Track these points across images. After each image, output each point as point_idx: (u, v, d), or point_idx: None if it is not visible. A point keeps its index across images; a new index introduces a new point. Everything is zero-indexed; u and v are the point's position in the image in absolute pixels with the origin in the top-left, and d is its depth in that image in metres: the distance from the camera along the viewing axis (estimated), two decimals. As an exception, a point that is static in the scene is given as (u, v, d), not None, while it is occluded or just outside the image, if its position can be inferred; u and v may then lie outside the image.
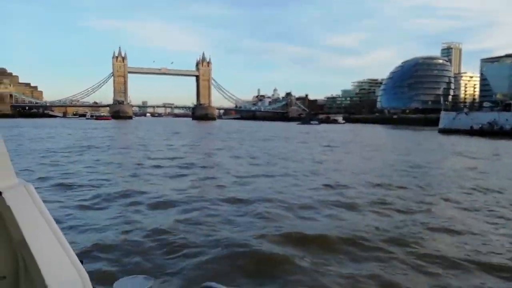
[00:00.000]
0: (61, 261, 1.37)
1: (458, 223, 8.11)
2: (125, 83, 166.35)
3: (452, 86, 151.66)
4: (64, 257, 1.37)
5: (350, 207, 9.51)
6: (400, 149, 28.77)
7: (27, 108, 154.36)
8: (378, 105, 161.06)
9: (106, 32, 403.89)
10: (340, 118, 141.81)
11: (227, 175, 14.93)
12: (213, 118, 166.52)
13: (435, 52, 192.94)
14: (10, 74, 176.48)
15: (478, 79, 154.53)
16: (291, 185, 12.72)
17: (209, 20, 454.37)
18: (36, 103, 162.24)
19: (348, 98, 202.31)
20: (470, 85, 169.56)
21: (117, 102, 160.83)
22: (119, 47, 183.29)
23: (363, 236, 6.94)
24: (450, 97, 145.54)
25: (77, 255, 1.42)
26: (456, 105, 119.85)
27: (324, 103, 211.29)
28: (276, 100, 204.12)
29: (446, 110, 70.00)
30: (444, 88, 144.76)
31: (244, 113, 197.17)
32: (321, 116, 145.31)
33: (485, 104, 70.94)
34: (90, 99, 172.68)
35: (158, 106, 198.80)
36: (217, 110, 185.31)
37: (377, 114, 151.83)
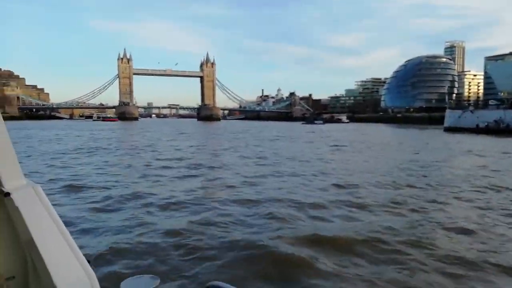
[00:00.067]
0: (69, 261, 1.37)
1: (473, 223, 8.03)
2: (130, 84, 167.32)
3: (456, 84, 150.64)
4: (71, 257, 1.38)
5: (362, 207, 9.45)
6: (407, 148, 28.65)
7: (34, 110, 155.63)
8: (382, 104, 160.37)
9: (111, 33, 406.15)
10: (344, 118, 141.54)
11: (236, 175, 14.96)
12: (218, 119, 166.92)
13: (438, 51, 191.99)
14: (17, 76, 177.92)
15: (482, 77, 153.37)
16: (300, 185, 12.71)
17: (213, 20, 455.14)
18: (43, 105, 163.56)
19: (352, 98, 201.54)
20: (474, 83, 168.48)
21: (122, 104, 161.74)
22: (124, 49, 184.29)
23: (379, 238, 6.88)
24: (454, 96, 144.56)
25: (86, 255, 1.43)
26: (460, 104, 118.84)
27: (328, 102, 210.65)
28: (280, 100, 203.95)
29: (451, 108, 69.44)
30: (448, 87, 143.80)
31: (249, 113, 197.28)
32: (325, 116, 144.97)
33: (491, 102, 70.18)
34: (96, 101, 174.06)
35: (163, 107, 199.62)
36: (221, 111, 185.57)
37: (381, 113, 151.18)
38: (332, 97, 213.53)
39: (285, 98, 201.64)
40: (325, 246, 6.45)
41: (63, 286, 1.32)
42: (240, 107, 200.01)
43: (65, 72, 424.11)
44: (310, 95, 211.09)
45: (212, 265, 5.67)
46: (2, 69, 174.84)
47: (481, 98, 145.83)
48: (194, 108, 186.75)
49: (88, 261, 1.43)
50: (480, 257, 6.05)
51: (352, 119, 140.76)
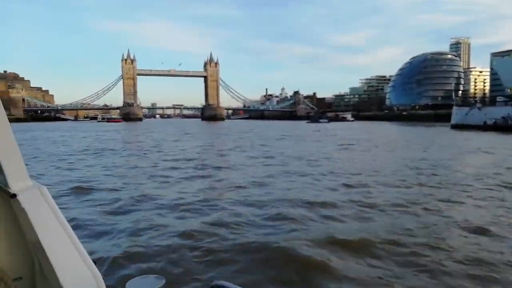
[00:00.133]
0: (75, 262, 1.38)
1: (489, 222, 7.86)
2: (134, 85, 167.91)
3: (462, 81, 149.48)
4: (78, 258, 1.39)
5: (374, 207, 9.28)
6: (414, 146, 28.38)
7: (39, 112, 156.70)
8: (387, 102, 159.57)
9: (114, 34, 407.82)
10: (349, 116, 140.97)
11: (244, 175, 14.84)
12: (222, 119, 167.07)
13: (444, 47, 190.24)
14: (22, 78, 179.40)
15: (488, 73, 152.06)
16: (309, 185, 12.57)
17: (216, 20, 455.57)
18: (48, 106, 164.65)
19: (356, 96, 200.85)
20: (480, 80, 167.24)
21: (127, 104, 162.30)
22: (128, 50, 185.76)
23: (395, 239, 6.72)
24: (460, 93, 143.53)
25: (92, 256, 1.43)
26: (466, 100, 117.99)
27: (332, 101, 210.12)
28: (284, 99, 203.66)
29: (457, 105, 68.85)
30: (454, 84, 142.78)
31: (253, 112, 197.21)
32: (329, 114, 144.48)
33: (499, 98, 69.50)
34: (100, 102, 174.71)
35: (167, 108, 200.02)
36: (225, 110, 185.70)
37: (386, 111, 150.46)
38: (336, 96, 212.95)
39: (289, 97, 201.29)
40: (340, 248, 6.31)
41: (69, 286, 1.33)
42: (244, 106, 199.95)
43: (69, 74, 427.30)
44: (314, 93, 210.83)
45: (226, 269, 5.56)
46: (8, 72, 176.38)
47: (487, 95, 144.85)
48: (198, 108, 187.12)
49: (94, 262, 1.44)
50: (499, 258, 5.90)
51: (357, 117, 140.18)
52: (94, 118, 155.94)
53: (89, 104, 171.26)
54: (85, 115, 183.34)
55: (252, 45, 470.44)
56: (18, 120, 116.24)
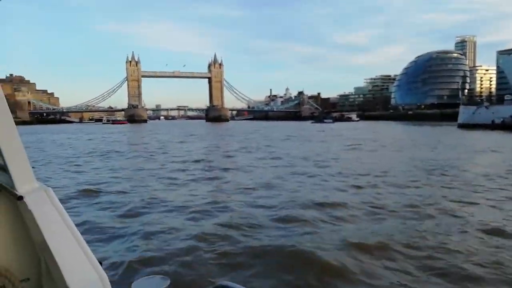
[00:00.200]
0: (81, 263, 1.39)
1: (505, 223, 7.70)
2: (139, 87, 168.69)
3: (468, 80, 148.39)
4: (84, 259, 1.40)
5: (386, 208, 9.13)
6: (422, 146, 28.12)
7: (44, 114, 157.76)
8: (392, 101, 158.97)
9: (118, 36, 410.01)
10: (354, 116, 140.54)
11: (252, 177, 14.75)
12: (226, 120, 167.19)
13: (449, 46, 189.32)
14: (28, 81, 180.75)
15: (495, 72, 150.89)
16: (319, 187, 12.44)
17: (219, 21, 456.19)
18: (53, 109, 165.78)
19: (361, 95, 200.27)
20: (486, 78, 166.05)
21: (131, 106, 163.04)
22: (132, 52, 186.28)
23: (410, 242, 6.58)
24: (466, 91, 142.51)
25: (98, 257, 1.44)
26: (472, 99, 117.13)
27: (337, 101, 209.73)
28: (288, 100, 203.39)
29: (464, 104, 68.27)
30: (460, 82, 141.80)
31: (257, 113, 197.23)
32: (334, 114, 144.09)
33: (506, 97, 68.63)
34: (105, 104, 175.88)
35: (171, 109, 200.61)
36: (229, 111, 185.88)
37: (391, 110, 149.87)
38: (341, 95, 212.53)
39: (293, 98, 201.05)
40: (355, 250, 6.18)
41: (76, 287, 1.34)
42: (249, 107, 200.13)
43: (74, 76, 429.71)
44: (319, 93, 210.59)
45: (241, 273, 5.46)
46: (13, 75, 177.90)
47: (493, 93, 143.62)
48: (202, 110, 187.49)
49: (100, 263, 1.45)
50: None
51: (362, 117, 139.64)
52: (99, 120, 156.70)
53: (94, 106, 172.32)
54: (90, 117, 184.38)
55: (255, 45, 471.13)
56: (24, 123, 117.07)
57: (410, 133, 51.73)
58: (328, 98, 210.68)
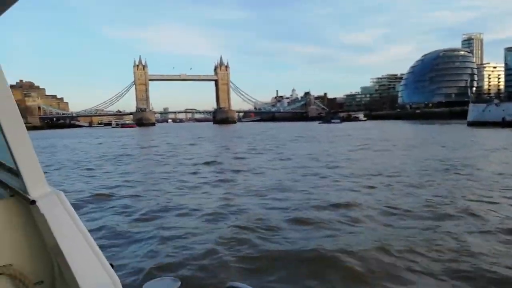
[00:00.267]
0: (93, 266, 1.40)
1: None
2: (146, 90, 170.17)
3: (476, 77, 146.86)
4: (95, 261, 1.41)
5: (406, 210, 8.96)
6: (433, 145, 27.78)
7: (54, 119, 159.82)
8: (400, 100, 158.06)
9: (125, 40, 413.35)
10: (361, 116, 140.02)
11: (264, 178, 14.69)
12: (234, 122, 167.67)
13: (455, 44, 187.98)
14: (38, 87, 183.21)
15: (503, 69, 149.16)
16: (333, 188, 12.31)
17: (225, 24, 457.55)
18: (63, 114, 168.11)
19: (368, 95, 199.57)
20: (494, 75, 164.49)
21: (139, 110, 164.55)
22: (140, 56, 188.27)
23: (432, 245, 6.46)
24: (474, 89, 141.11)
25: (109, 259, 1.46)
26: (480, 97, 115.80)
27: (344, 101, 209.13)
28: (295, 101, 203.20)
29: (473, 102, 67.47)
30: (467, 80, 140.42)
31: (264, 115, 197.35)
32: (341, 114, 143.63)
33: (516, 94, 67.85)
34: (113, 108, 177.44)
35: (179, 112, 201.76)
36: (236, 113, 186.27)
37: (398, 109, 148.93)
38: (347, 95, 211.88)
39: (300, 98, 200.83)
40: (378, 254, 6.04)
41: None
42: (255, 108, 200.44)
43: (82, 81, 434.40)
44: (325, 94, 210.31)
45: (262, 278, 5.38)
46: (23, 81, 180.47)
47: (502, 91, 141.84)
48: (209, 112, 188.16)
49: (111, 265, 1.46)
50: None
51: (369, 117, 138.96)
52: (108, 124, 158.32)
53: (102, 110, 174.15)
54: (99, 122, 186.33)
55: (261, 47, 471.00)
56: (34, 128, 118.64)
57: (420, 132, 51.25)
58: (335, 98, 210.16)
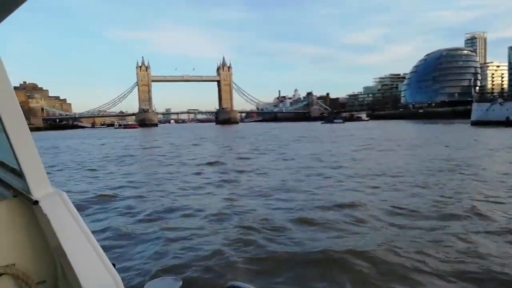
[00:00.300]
0: (95, 265, 1.41)
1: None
2: (149, 91, 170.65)
3: (479, 76, 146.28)
4: (98, 261, 1.42)
5: (411, 210, 8.87)
6: (437, 145, 27.65)
7: (57, 120, 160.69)
8: (402, 100, 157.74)
9: (127, 41, 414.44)
10: (364, 115, 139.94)
11: (268, 179, 14.65)
12: (236, 122, 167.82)
13: (458, 43, 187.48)
14: (41, 88, 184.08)
15: (506, 68, 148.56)
16: (338, 188, 12.21)
17: (227, 24, 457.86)
18: (66, 115, 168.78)
19: (370, 95, 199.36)
20: (497, 74, 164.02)
21: (142, 111, 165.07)
22: (142, 57, 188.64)
23: (443, 246, 6.39)
24: (477, 88, 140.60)
25: (111, 259, 1.47)
26: (483, 96, 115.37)
27: (346, 101, 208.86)
28: (297, 101, 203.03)
29: (477, 101, 67.15)
30: (471, 79, 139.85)
31: (266, 115, 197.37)
32: (344, 114, 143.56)
33: (520, 93, 67.49)
34: (116, 109, 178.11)
35: (182, 113, 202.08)
36: (239, 114, 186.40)
37: (401, 109, 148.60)
38: (350, 95, 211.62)
39: (302, 98, 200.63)
40: (386, 255, 5.98)
41: None
42: (257, 109, 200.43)
43: (85, 82, 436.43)
44: (328, 94, 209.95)
45: (268, 280, 5.33)
46: (27, 82, 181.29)
47: (505, 90, 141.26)
48: (212, 112, 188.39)
49: (113, 265, 1.47)
50: None
51: (371, 117, 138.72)
52: (111, 125, 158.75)
53: (105, 111, 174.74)
54: (102, 122, 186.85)
55: (263, 47, 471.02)
56: (37, 129, 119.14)
57: (423, 131, 51.05)
58: (337, 98, 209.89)
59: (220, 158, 23.28)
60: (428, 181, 12.76)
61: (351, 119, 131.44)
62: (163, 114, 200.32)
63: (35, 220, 1.54)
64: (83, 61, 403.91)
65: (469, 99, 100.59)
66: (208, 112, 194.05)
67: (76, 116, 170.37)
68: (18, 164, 1.45)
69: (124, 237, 7.49)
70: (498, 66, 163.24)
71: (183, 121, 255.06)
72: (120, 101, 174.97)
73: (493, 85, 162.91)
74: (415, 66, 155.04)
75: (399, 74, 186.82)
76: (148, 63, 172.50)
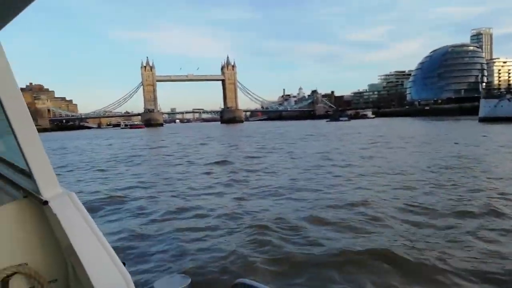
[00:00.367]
0: (105, 264, 1.44)
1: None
2: (154, 91, 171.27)
3: (485, 73, 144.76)
4: (108, 260, 1.45)
5: (427, 207, 8.78)
6: (447, 142, 27.33)
7: (64, 121, 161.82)
8: (408, 97, 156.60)
9: (132, 42, 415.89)
10: (369, 113, 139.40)
11: (278, 178, 14.61)
12: (241, 121, 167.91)
13: (464, 39, 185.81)
14: (47, 89, 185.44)
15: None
16: (350, 187, 12.11)
17: (231, 24, 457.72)
18: (72, 116, 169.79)
19: (376, 92, 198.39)
20: (504, 70, 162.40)
21: (147, 111, 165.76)
22: (147, 58, 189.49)
23: (463, 245, 6.32)
24: (483, 84, 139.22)
25: (120, 257, 1.49)
26: (490, 92, 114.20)
27: (351, 98, 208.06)
28: (302, 99, 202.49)
29: (484, 97, 66.45)
30: (477, 76, 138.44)
31: (271, 113, 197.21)
32: (349, 112, 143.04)
33: (529, 88, 66.74)
34: (122, 109, 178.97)
35: (187, 112, 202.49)
36: (243, 112, 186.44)
37: (407, 106, 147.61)
38: (355, 93, 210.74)
39: (306, 97, 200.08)
40: (408, 255, 5.90)
41: (101, 287, 1.40)
42: (262, 108, 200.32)
43: (91, 83, 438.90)
44: (332, 92, 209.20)
45: (287, 281, 5.30)
46: (33, 84, 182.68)
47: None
48: (217, 112, 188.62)
49: (123, 263, 1.49)
50: None
51: (377, 114, 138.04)
52: (117, 125, 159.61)
53: (111, 111, 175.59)
54: (108, 123, 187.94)
55: (267, 46, 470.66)
56: (44, 130, 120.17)
57: (431, 128, 50.63)
58: (342, 96, 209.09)
59: (228, 157, 23.28)
60: (440, 179, 12.64)
61: (357, 116, 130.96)
62: (168, 113, 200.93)
63: (45, 220, 1.57)
64: (88, 62, 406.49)
65: (476, 95, 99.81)
66: (213, 111, 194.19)
67: (82, 116, 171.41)
68: (27, 165, 1.48)
69: (137, 238, 7.49)
70: (504, 62, 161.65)
71: (188, 121, 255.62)
72: (126, 101, 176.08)
73: (499, 81, 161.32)
74: (421, 63, 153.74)
75: (404, 71, 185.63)
76: (153, 63, 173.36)
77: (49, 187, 1.50)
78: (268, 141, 38.33)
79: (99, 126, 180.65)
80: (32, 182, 1.51)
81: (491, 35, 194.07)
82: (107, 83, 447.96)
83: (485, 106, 60.43)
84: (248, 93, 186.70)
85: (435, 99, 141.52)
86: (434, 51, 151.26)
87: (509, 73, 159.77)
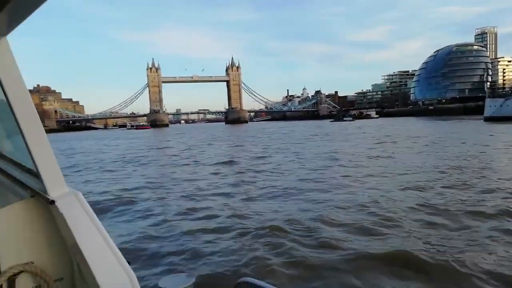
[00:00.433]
0: (111, 263, 1.45)
1: None
2: (159, 92, 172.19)
3: (490, 72, 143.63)
4: (113, 259, 1.46)
5: (441, 208, 8.71)
6: (455, 141, 27.15)
7: (71, 122, 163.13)
8: (412, 97, 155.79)
9: (137, 43, 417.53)
10: (373, 113, 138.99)
11: (286, 178, 14.62)
12: (245, 121, 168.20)
13: (468, 39, 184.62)
14: (54, 91, 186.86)
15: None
16: (359, 188, 12.04)
17: (234, 25, 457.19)
18: (79, 117, 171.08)
19: (379, 92, 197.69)
20: (508, 69, 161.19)
21: (153, 111, 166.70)
22: (152, 59, 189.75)
23: (481, 247, 6.31)
24: (488, 84, 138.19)
25: (126, 257, 1.50)
26: (495, 91, 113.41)
27: (355, 98, 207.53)
28: (305, 99, 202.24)
29: (489, 97, 66.01)
30: (481, 75, 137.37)
31: (275, 114, 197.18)
32: (353, 112, 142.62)
33: (535, 88, 66.20)
34: (128, 110, 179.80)
35: (192, 113, 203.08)
36: (248, 113, 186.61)
37: (411, 106, 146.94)
38: (358, 93, 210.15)
39: (310, 97, 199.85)
40: (426, 257, 5.89)
41: (106, 286, 1.41)
42: (266, 108, 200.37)
43: (97, 84, 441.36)
44: (336, 92, 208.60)
45: (302, 285, 5.34)
46: (40, 85, 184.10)
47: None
48: (221, 112, 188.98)
49: (128, 262, 1.50)
50: None
51: (381, 114, 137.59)
52: (123, 126, 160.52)
53: (117, 112, 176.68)
54: (114, 124, 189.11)
55: (271, 47, 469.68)
56: (51, 130, 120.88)
57: (436, 128, 50.36)
58: (346, 96, 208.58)
59: (234, 158, 23.35)
60: (450, 179, 12.57)
61: (360, 116, 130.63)
62: (173, 114, 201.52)
63: (52, 219, 1.58)
64: (95, 64, 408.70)
65: (480, 95, 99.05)
66: (218, 112, 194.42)
67: (89, 117, 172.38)
68: (35, 165, 1.50)
69: (147, 239, 7.49)
70: (509, 61, 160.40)
71: (193, 121, 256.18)
72: (132, 102, 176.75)
73: (504, 80, 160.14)
74: (425, 63, 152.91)
75: (408, 71, 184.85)
76: (158, 64, 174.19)
77: (56, 187, 1.51)
78: (273, 141, 38.38)
79: (106, 127, 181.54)
80: (39, 181, 1.53)
81: (495, 34, 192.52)
82: (113, 84, 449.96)
83: (491, 106, 60.06)
84: (252, 93, 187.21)
85: (439, 98, 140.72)
86: (438, 50, 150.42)
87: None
